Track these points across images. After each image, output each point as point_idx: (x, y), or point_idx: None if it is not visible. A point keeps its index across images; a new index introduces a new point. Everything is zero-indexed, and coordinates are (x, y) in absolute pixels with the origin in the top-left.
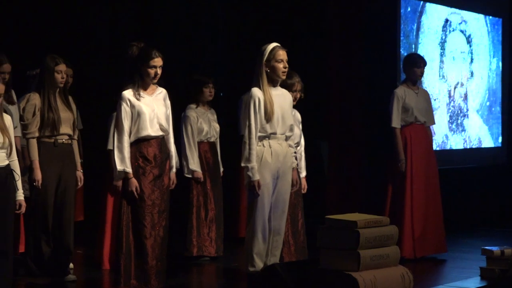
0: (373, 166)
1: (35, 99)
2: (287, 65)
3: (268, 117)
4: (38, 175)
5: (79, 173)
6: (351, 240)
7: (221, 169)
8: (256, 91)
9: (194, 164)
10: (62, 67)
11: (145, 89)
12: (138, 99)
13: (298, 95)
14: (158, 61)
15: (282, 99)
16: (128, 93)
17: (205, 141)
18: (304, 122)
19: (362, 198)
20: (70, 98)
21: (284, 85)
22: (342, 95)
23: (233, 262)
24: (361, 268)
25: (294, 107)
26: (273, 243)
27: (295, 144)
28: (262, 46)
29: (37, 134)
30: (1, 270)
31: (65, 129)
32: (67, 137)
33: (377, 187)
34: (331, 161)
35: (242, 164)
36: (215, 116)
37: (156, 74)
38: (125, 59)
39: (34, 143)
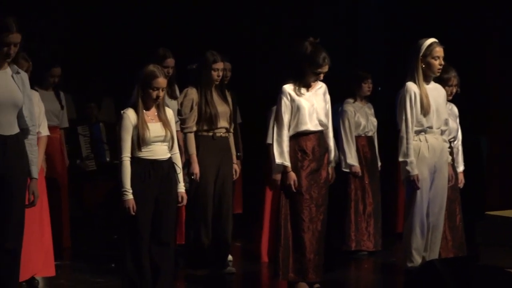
0: None
1: (192, 93)
2: (443, 62)
3: (425, 111)
4: (196, 168)
5: (235, 166)
6: None
7: (379, 163)
8: (411, 86)
9: (352, 158)
10: (219, 65)
11: (305, 85)
12: (298, 94)
13: (454, 90)
14: (325, 68)
15: (436, 93)
16: (288, 87)
17: (363, 135)
18: (463, 117)
19: None
20: (227, 92)
21: (440, 80)
22: (502, 90)
23: (391, 257)
24: None
25: (451, 101)
26: (432, 238)
27: (451, 138)
28: (419, 40)
29: (194, 129)
30: (164, 260)
31: (223, 122)
32: (224, 131)
33: None
34: (491, 157)
35: (400, 159)
36: (372, 110)
37: (318, 79)
38: (294, 53)
39: (191, 138)
